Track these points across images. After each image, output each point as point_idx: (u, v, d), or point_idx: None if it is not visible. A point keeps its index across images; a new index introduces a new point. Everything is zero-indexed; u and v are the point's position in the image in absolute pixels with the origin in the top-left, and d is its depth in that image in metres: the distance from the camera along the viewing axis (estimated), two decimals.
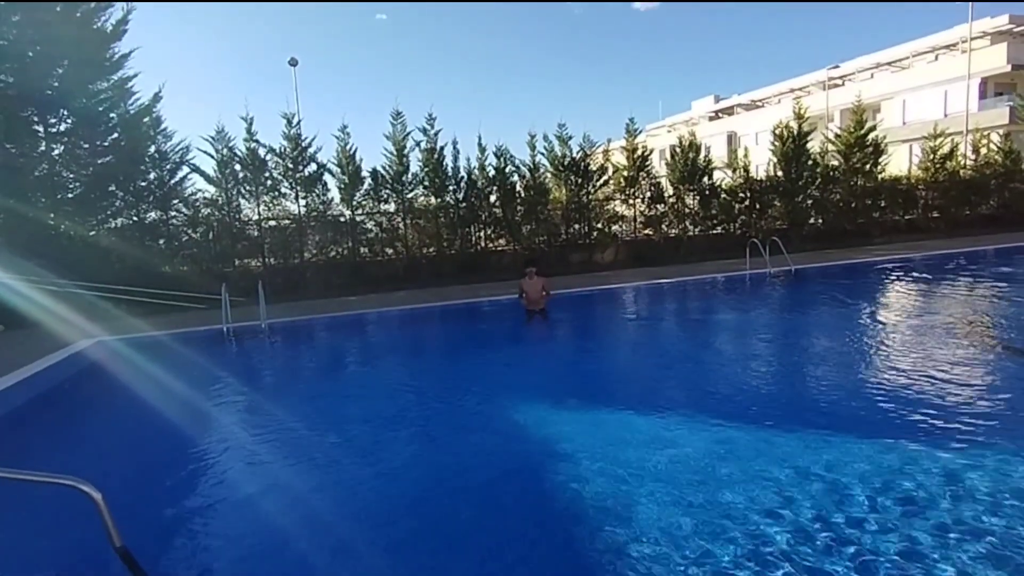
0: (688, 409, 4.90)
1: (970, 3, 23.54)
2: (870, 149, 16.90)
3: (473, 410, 5.45)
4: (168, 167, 12.56)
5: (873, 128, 17.37)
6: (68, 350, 7.43)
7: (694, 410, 4.85)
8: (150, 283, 10.69)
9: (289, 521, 3.46)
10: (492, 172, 14.51)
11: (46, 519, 3.56)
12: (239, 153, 12.91)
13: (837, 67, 36.58)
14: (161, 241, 12.68)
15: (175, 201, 12.73)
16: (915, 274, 11.60)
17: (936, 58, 32.86)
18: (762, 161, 17.91)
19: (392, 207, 14.22)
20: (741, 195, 16.16)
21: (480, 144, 14.47)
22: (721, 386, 5.69)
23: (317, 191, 13.57)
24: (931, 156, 17.79)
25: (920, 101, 30.78)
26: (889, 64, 35.69)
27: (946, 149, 17.81)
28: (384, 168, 13.93)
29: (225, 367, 7.58)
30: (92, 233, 11.81)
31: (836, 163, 16.89)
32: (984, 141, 18.83)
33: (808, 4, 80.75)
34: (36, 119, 11.14)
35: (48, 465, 2.39)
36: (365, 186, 13.81)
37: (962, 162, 18.34)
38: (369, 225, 14.16)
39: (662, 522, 3.09)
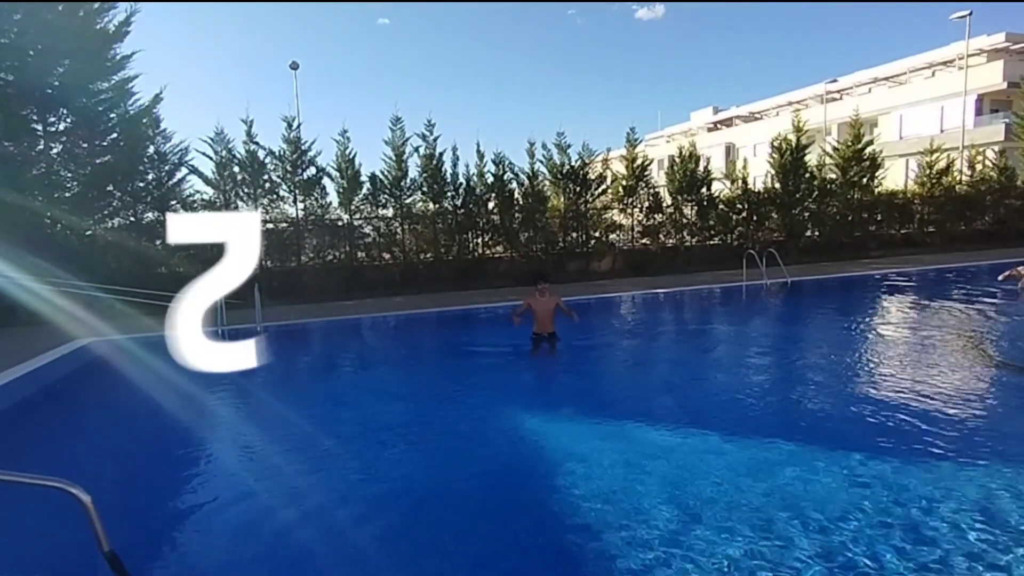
0: (691, 422, 4.89)
1: (967, 19, 23.74)
2: (867, 163, 17.03)
3: (468, 424, 5.43)
4: (166, 168, 12.55)
5: (870, 142, 17.52)
6: (60, 350, 7.38)
7: (697, 423, 4.84)
8: (146, 283, 10.65)
9: (280, 526, 3.43)
10: (491, 179, 14.55)
11: (33, 522, 3.52)
12: (238, 155, 12.91)
13: (835, 81, 36.85)
14: (158, 242, 12.64)
15: (173, 202, 12.69)
16: (910, 288, 11.65)
17: (933, 74, 33.16)
18: (760, 173, 18.03)
19: (390, 212, 14.21)
20: (739, 206, 16.23)
21: (479, 151, 14.56)
22: (721, 400, 5.69)
23: (315, 195, 13.56)
24: (927, 171, 17.94)
25: (917, 116, 31.03)
26: (887, 79, 36.00)
27: (942, 164, 17.96)
28: (383, 173, 13.95)
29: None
30: (89, 232, 11.78)
31: (833, 176, 17.01)
32: (980, 157, 18.99)
33: (808, 18, 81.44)
34: (35, 117, 11.11)
35: (36, 467, 2.38)
36: (363, 191, 13.81)
37: (958, 177, 18.50)
38: (367, 230, 14.14)
39: (655, 531, 3.08)
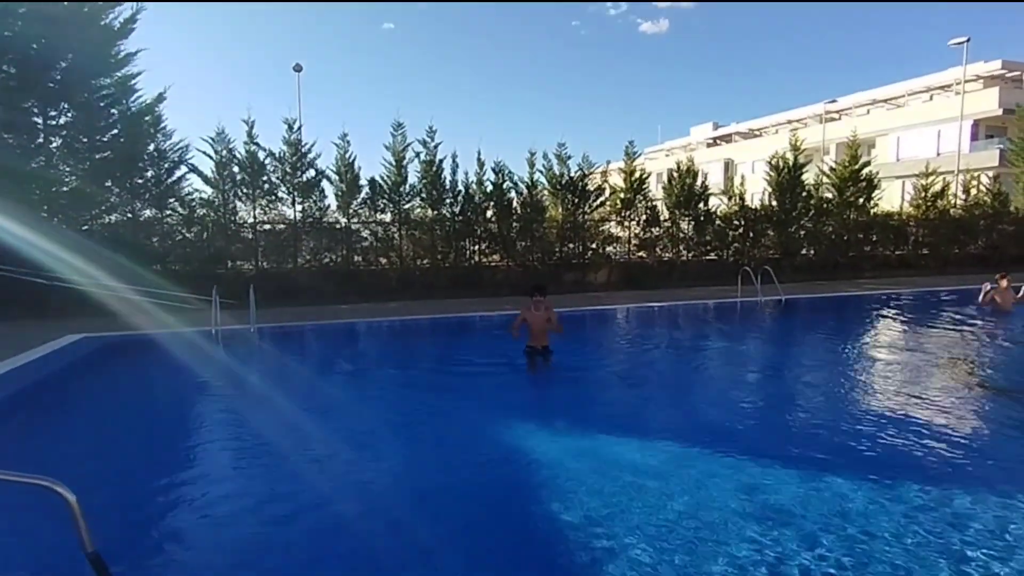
0: (680, 437, 4.89)
1: (965, 46, 24.03)
2: (864, 183, 17.17)
3: (456, 433, 5.42)
4: (166, 166, 12.55)
5: (867, 163, 17.69)
6: (51, 345, 7.33)
7: (686, 439, 4.84)
8: (141, 281, 10.61)
9: (270, 526, 3.41)
10: (490, 187, 14.59)
11: (16, 520, 3.49)
12: (238, 155, 12.92)
13: (834, 101, 37.23)
14: (155, 239, 12.61)
15: (171, 200, 12.69)
16: (903, 310, 11.71)
17: (931, 98, 33.57)
18: (757, 190, 18.15)
19: (388, 217, 14.24)
20: (736, 223, 16.32)
21: (479, 159, 14.62)
22: (711, 417, 5.69)
23: (314, 197, 13.59)
24: (923, 193, 18.09)
25: (914, 139, 31.34)
26: (885, 101, 36.43)
27: (937, 187, 18.13)
28: (382, 178, 13.99)
29: (211, 369, 7.50)
30: (85, 228, 11.74)
31: (830, 196, 17.15)
32: (974, 182, 19.18)
33: (811, 38, 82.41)
34: (36, 111, 11.11)
35: (25, 463, 2.36)
36: (362, 195, 13.85)
37: (952, 201, 18.66)
38: (364, 234, 14.16)
39: (643, 542, 3.08)
